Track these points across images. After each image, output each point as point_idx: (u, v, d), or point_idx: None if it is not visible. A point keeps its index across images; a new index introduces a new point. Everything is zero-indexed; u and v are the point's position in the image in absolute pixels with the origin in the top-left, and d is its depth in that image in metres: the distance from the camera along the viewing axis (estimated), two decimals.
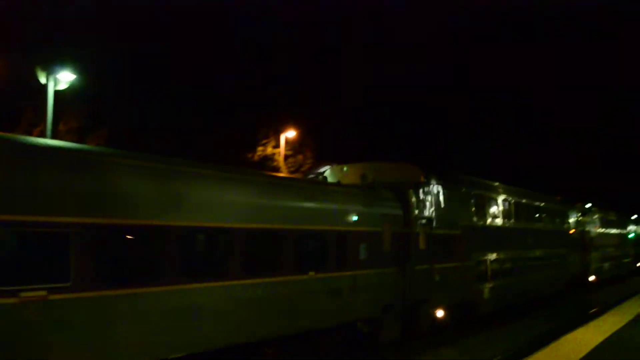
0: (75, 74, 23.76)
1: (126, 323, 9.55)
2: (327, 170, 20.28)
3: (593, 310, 24.65)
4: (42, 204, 8.68)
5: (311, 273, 14.17)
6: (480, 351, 17.80)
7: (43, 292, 8.34)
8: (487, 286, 22.75)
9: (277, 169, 47.48)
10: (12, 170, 8.52)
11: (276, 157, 48.16)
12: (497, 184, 26.68)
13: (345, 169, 20.07)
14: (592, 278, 38.60)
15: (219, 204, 11.95)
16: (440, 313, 19.13)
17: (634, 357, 13.80)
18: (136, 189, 10.26)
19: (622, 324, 18.19)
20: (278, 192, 14.34)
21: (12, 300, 7.95)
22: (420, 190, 19.05)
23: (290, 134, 45.72)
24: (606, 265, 43.51)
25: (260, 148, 48.32)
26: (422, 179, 19.40)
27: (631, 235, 55.76)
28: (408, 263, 17.78)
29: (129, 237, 9.99)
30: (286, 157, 48.64)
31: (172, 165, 11.84)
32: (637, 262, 56.25)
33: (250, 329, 12.24)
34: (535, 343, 16.38)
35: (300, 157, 51.38)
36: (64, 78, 23.68)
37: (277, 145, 48.37)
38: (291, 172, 49.97)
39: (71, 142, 11.56)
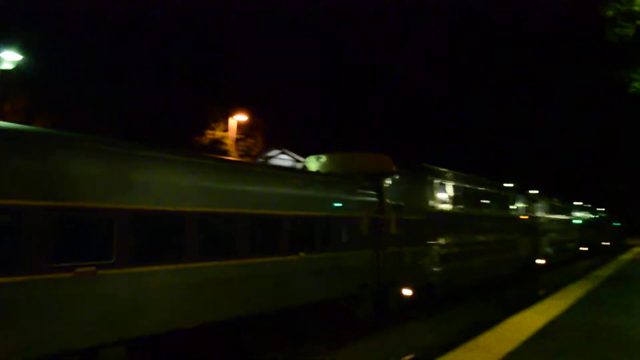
0: (21, 54, 23.30)
1: (152, 293, 11.08)
2: (308, 159, 21.62)
3: (539, 294, 25.88)
4: (93, 192, 10.16)
5: (301, 254, 15.53)
6: (443, 327, 19.31)
7: (92, 268, 9.92)
8: (448, 268, 23.88)
9: (227, 153, 47.25)
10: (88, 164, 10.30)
11: (226, 140, 47.87)
12: (458, 173, 27.57)
13: (322, 158, 21.25)
14: (541, 261, 40.33)
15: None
16: (407, 292, 20.40)
17: (574, 337, 14.19)
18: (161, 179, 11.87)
19: (565, 307, 18.65)
20: (280, 183, 15.91)
21: (69, 274, 9.55)
22: (392, 179, 20.66)
23: (241, 117, 45.33)
24: (554, 249, 45.38)
25: (209, 131, 47.98)
26: (394, 168, 20.92)
27: (576, 221, 58.25)
28: (382, 246, 19.10)
29: (154, 222, 11.35)
30: (236, 140, 48.33)
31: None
32: (581, 246, 58.59)
33: (253, 301, 13.82)
34: (484, 324, 16.80)
35: (250, 141, 51.18)
36: (9, 58, 23.19)
37: (227, 129, 48.05)
38: (241, 156, 49.78)
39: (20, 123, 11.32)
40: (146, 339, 11.05)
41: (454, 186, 25.86)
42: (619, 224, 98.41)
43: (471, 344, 13.06)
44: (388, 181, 20.43)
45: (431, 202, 23.17)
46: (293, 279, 15.10)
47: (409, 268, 20.69)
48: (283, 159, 37.55)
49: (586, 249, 59.42)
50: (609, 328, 15.44)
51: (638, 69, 17.17)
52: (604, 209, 79.46)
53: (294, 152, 43.68)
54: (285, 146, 45.02)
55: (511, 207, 34.93)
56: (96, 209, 10.18)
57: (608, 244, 75.57)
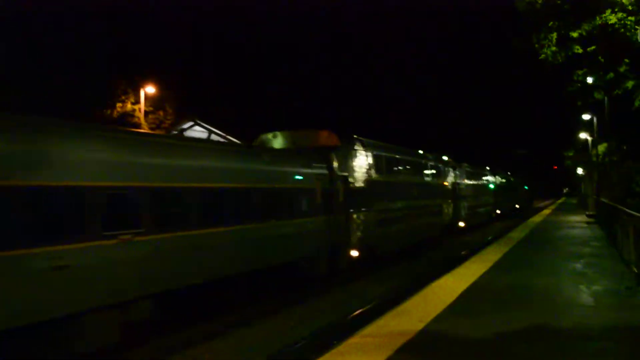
0: None
1: (168, 255, 13.67)
2: (263, 136, 24.12)
3: (459, 255, 27.70)
4: (126, 174, 12.82)
5: (272, 221, 18.24)
6: (382, 283, 22.40)
7: (129, 236, 12.41)
8: (385, 231, 26.68)
9: (138, 126, 46.09)
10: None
11: (136, 113, 46.64)
12: (390, 145, 30.39)
13: (277, 135, 23.96)
14: (461, 224, 44.02)
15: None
16: (354, 253, 23.23)
17: (495, 298, 14.55)
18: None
19: (484, 270, 19.09)
20: (251, 160, 18.99)
21: (113, 241, 12.01)
22: (339, 153, 23.19)
23: (150, 89, 44.15)
24: (473, 212, 49.12)
25: (119, 104, 46.61)
26: (340, 143, 23.83)
27: (491, 186, 61.55)
28: (332, 213, 21.92)
29: (168, 197, 14.11)
30: (146, 113, 47.18)
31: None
32: (497, 209, 62.67)
33: (238, 262, 16.52)
34: (409, 287, 17.93)
35: (160, 113, 50.06)
36: None
37: (136, 102, 46.78)
38: (152, 129, 48.66)
39: None
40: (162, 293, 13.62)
41: (387, 157, 28.57)
42: (527, 187, 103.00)
43: (398, 309, 13.22)
44: (337, 155, 22.87)
45: (370, 172, 25.66)
46: (265, 243, 17.77)
47: (354, 232, 23.39)
48: (197, 131, 37.00)
49: (499, 212, 63.34)
50: (525, 288, 16.00)
51: (548, 35, 17.53)
52: (512, 174, 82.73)
53: (208, 123, 43.02)
54: (198, 117, 44.20)
55: (435, 174, 37.94)
56: (130, 187, 12.75)
57: (519, 206, 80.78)
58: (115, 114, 46.27)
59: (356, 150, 24.72)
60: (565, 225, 40.66)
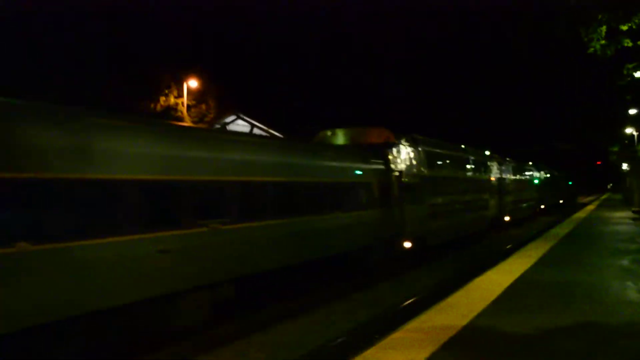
0: None
1: (248, 242, 15.21)
2: (321, 133, 25.50)
3: (504, 249, 28.86)
4: (214, 169, 14.39)
5: (337, 213, 19.82)
6: (436, 273, 24.08)
7: (218, 224, 13.98)
8: (435, 224, 28.12)
9: (181, 119, 46.57)
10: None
11: (179, 107, 47.13)
12: (441, 142, 32.17)
13: (331, 132, 25.33)
14: (506, 218, 44.73)
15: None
16: (407, 244, 24.43)
17: (540, 294, 14.41)
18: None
19: (528, 265, 18.92)
20: (320, 156, 20.89)
21: (205, 229, 13.47)
22: (394, 150, 24.48)
23: (193, 83, 44.58)
24: (518, 207, 50.24)
25: (162, 98, 47.12)
26: (395, 140, 24.96)
27: (535, 181, 62.60)
28: (388, 206, 23.27)
29: (254, 189, 15.69)
30: (189, 107, 47.65)
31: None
32: (541, 204, 63.63)
33: (309, 249, 18.14)
34: (456, 281, 18.28)
35: (203, 107, 50.49)
36: None
37: (179, 95, 47.25)
38: (195, 122, 49.14)
39: None
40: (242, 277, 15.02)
41: (440, 154, 30.64)
42: (571, 182, 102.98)
43: (443, 304, 13.18)
44: (392, 152, 24.24)
45: (422, 168, 27.31)
46: (330, 233, 19.25)
47: (407, 224, 24.69)
48: (239, 125, 37.19)
49: (543, 207, 64.53)
50: (570, 284, 15.77)
51: (598, 28, 17.21)
52: (556, 169, 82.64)
53: (250, 117, 43.30)
54: (240, 111, 44.52)
55: (481, 170, 39.21)
56: (219, 181, 14.29)
57: (563, 202, 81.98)
58: (158, 107, 46.83)
59: (409, 146, 26.17)
60: (610, 222, 40.04)
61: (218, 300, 14.47)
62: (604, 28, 17.32)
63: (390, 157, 23.93)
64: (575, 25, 17.80)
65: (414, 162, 26.37)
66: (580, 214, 51.22)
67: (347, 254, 20.67)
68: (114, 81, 44.68)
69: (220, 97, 50.94)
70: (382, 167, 23.27)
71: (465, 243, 33.01)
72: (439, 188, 29.34)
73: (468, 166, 36.28)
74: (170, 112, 46.98)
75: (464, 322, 11.41)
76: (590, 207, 66.54)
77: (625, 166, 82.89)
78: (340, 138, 25.11)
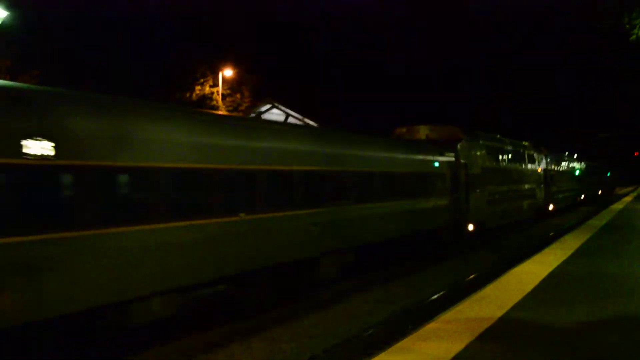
0: (7, 10, 22.70)
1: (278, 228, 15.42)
2: (398, 131, 28.73)
3: (549, 235, 31.01)
4: (244, 158, 14.41)
5: (419, 199, 23.39)
6: (494, 256, 25.96)
7: (244, 214, 14.09)
8: (492, 209, 31.56)
9: (216, 108, 46.78)
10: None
11: (214, 96, 47.34)
12: (499, 137, 36.22)
13: (407, 129, 28.61)
14: (551, 207, 48.28)
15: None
16: (470, 227, 27.97)
17: (577, 287, 14.20)
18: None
19: (565, 257, 18.68)
20: (399, 150, 23.74)
21: (236, 217, 13.80)
22: (462, 145, 27.81)
23: (228, 72, 44.67)
24: (561, 197, 53.71)
25: (198, 87, 47.37)
26: (462, 136, 28.36)
27: (577, 172, 65.46)
28: (456, 194, 26.73)
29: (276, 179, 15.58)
30: (223, 96, 47.82)
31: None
32: (581, 195, 66.58)
33: (375, 229, 20.21)
34: (516, 258, 20.76)
35: (237, 96, 50.65)
36: None
37: (214, 85, 47.44)
38: (229, 111, 49.30)
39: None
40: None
41: (496, 147, 34.04)
42: (609, 174, 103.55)
43: (478, 295, 13.06)
44: (460, 146, 27.60)
45: (482, 160, 30.67)
46: (413, 215, 22.68)
47: (471, 209, 28.13)
48: (274, 114, 37.23)
49: (583, 197, 67.46)
50: (609, 276, 15.54)
51: None
52: (594, 160, 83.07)
53: (285, 106, 43.28)
54: (275, 100, 44.53)
55: (530, 161, 42.21)
56: (249, 170, 14.41)
57: (601, 192, 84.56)
58: (194, 96, 47.11)
59: (474, 142, 29.99)
60: None
61: (344, 262, 18.48)
62: None
63: (459, 151, 27.43)
64: (620, 11, 17.49)
65: (477, 155, 29.98)
66: (618, 206, 50.56)
67: (430, 232, 24.67)
68: (150, 72, 45.07)
69: (256, 87, 51.08)
70: (453, 159, 26.85)
71: (517, 228, 36.00)
72: (496, 178, 32.70)
73: (519, 158, 39.44)
74: (206, 101, 47.24)
75: (500, 313, 11.28)
76: (628, 199, 65.57)
77: None
78: (415, 134, 28.24)
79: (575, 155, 67.86)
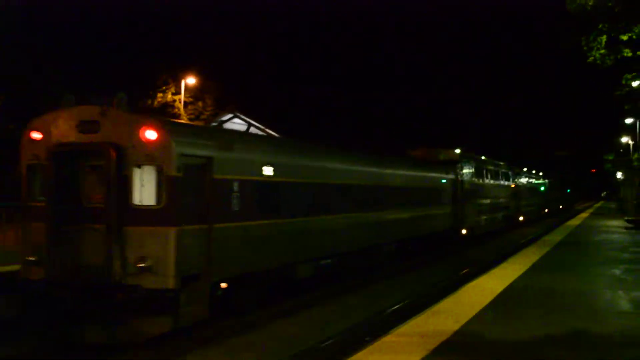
0: None
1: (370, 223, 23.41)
2: (408, 152, 36.51)
3: (521, 242, 35.83)
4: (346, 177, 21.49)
5: (430, 206, 30.35)
6: (483, 253, 31.96)
7: (389, 210, 24.89)
8: (480, 218, 39.85)
9: (178, 116, 46.44)
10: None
11: (176, 104, 47.02)
12: (485, 159, 44.38)
13: (411, 150, 36.54)
14: (521, 218, 56.94)
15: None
16: (464, 232, 35.36)
17: (532, 302, 14.41)
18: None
19: (521, 271, 18.94)
20: (422, 169, 30.94)
21: (385, 212, 24.08)
22: (459, 164, 35.52)
23: (191, 80, 44.39)
24: (529, 209, 62.78)
25: (160, 94, 47.00)
26: (459, 157, 36.15)
27: (542, 188, 76.02)
28: (454, 204, 33.97)
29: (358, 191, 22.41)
30: (185, 104, 47.50)
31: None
32: (545, 208, 77.39)
33: (410, 230, 27.76)
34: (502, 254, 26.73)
35: (200, 104, 50.36)
36: None
37: (177, 92, 47.11)
38: (191, 120, 48.97)
39: None
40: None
41: (482, 167, 41.65)
42: (569, 190, 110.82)
43: (435, 308, 13.19)
44: (458, 165, 35.26)
45: (473, 177, 38.50)
46: (421, 220, 28.91)
47: (464, 217, 35.41)
48: (236, 123, 37.10)
49: (547, 210, 77.77)
50: (563, 291, 15.84)
51: (597, 37, 17.28)
52: (554, 176, 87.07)
53: (247, 115, 43.08)
54: (238, 109, 44.30)
55: (507, 179, 51.37)
56: (354, 184, 21.89)
57: (562, 207, 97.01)
58: (156, 104, 46.73)
59: (467, 162, 37.51)
60: (603, 230, 40.20)
61: (390, 251, 25.71)
62: (604, 37, 17.39)
63: (457, 170, 34.99)
64: (577, 34, 17.86)
65: (469, 174, 37.47)
66: (575, 222, 51.37)
67: (439, 232, 32.01)
68: (111, 78, 44.55)
69: (218, 95, 50.85)
70: (452, 177, 34.38)
71: (495, 235, 43.49)
72: (482, 192, 40.85)
73: (497, 176, 47.75)
74: (167, 108, 46.87)
75: (456, 327, 11.41)
76: (584, 215, 66.74)
77: (619, 175, 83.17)
78: (419, 154, 35.11)
79: (540, 173, 76.40)
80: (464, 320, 12.00)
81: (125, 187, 12.64)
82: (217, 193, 13.75)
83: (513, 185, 53.33)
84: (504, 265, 21.01)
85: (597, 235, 35.94)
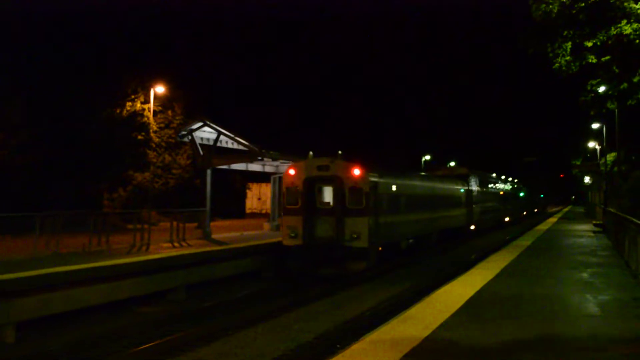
0: None
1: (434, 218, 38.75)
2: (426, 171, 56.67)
3: (506, 238, 45.29)
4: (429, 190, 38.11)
5: (454, 209, 44.42)
6: (485, 242, 44.76)
7: (434, 211, 38.82)
8: (481, 218, 53.07)
9: (147, 125, 46.06)
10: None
11: (145, 113, 46.65)
12: (484, 173, 59.50)
13: (441, 171, 52.45)
14: (507, 219, 69.59)
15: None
16: (472, 227, 49.00)
17: (502, 308, 14.45)
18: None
19: (490, 277, 19.03)
20: (453, 183, 45.40)
21: (417, 213, 35.74)
22: (469, 177, 49.50)
23: (160, 89, 44.01)
24: (513, 211, 76.26)
25: (129, 103, 46.62)
26: (468, 172, 50.95)
27: (521, 194, 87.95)
28: (466, 207, 47.42)
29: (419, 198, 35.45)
30: (155, 112, 47.12)
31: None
32: (523, 212, 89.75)
33: (441, 224, 40.75)
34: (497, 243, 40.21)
35: (169, 113, 50.02)
36: None
37: (146, 101, 46.72)
38: (161, 129, 48.63)
39: None
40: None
41: (483, 178, 56.05)
42: (542, 195, 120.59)
43: (404, 315, 13.20)
44: (469, 178, 49.31)
45: (477, 186, 51.81)
46: (449, 218, 41.99)
47: (472, 216, 49.25)
48: (206, 132, 36.81)
49: (525, 213, 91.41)
50: (532, 296, 15.93)
51: (562, 44, 17.48)
52: (524, 182, 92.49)
53: (216, 124, 42.79)
54: (208, 117, 43.97)
55: (496, 186, 64.83)
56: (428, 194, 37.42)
57: (536, 210, 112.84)
58: (124, 113, 46.32)
59: (473, 176, 51.34)
60: (572, 234, 40.57)
61: (432, 240, 38.25)
62: (569, 44, 17.59)
63: (468, 181, 48.83)
64: (542, 41, 18.04)
65: (475, 184, 50.90)
66: (544, 226, 51.91)
67: (456, 228, 44.63)
68: (79, 88, 44.08)
69: (188, 104, 50.56)
70: (466, 187, 48.01)
71: (487, 231, 55.95)
72: (482, 197, 54.14)
73: (492, 185, 62.14)
74: (137, 117, 46.51)
75: (426, 333, 11.44)
76: (553, 220, 67.42)
77: (587, 179, 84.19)
78: (441, 172, 50.27)
79: (518, 181, 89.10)
80: (433, 326, 12.04)
81: (344, 198, 25.65)
82: (379, 200, 26.84)
83: (501, 193, 67.64)
84: (473, 270, 21.11)
85: (566, 239, 36.15)
